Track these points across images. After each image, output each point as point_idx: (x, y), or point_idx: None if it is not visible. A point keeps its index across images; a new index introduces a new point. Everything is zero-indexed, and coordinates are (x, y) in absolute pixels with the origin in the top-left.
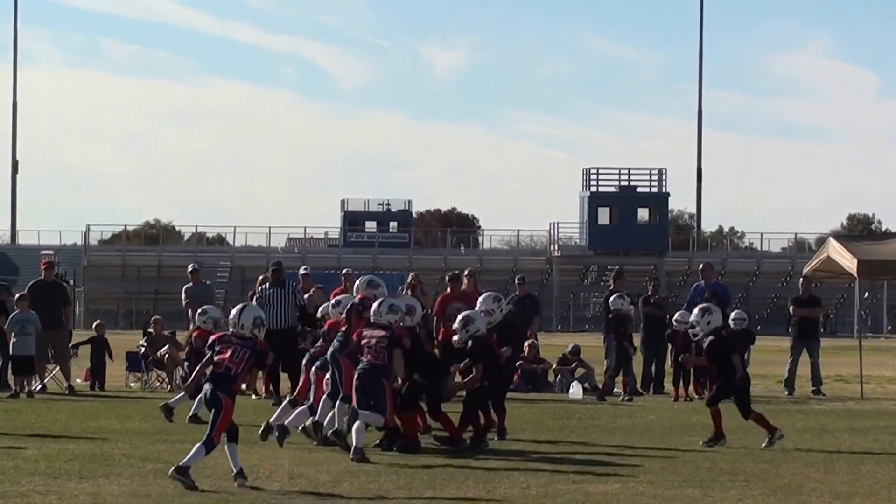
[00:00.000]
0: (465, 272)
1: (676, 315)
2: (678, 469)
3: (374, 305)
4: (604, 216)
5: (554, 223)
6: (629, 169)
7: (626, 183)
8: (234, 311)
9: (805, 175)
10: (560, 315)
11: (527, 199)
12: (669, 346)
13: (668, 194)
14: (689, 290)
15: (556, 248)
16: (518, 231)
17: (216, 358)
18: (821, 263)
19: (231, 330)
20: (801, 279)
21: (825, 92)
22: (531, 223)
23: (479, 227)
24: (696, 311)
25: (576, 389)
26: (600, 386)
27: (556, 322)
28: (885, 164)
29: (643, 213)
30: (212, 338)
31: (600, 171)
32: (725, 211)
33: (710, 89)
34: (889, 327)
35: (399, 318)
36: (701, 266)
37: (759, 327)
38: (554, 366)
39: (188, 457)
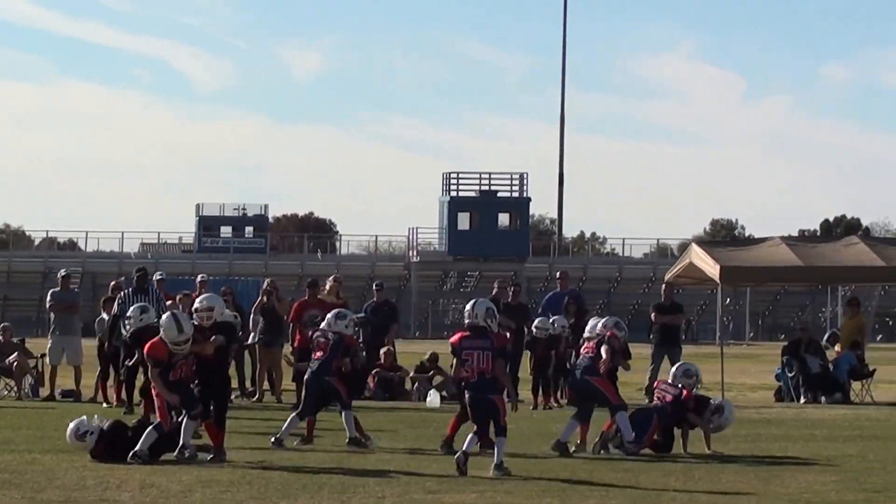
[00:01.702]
0: (331, 278)
1: (536, 322)
2: (536, 479)
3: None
4: (464, 221)
5: (413, 228)
6: (490, 173)
7: (486, 188)
8: (468, 305)
9: (669, 179)
10: (418, 322)
11: (386, 204)
12: (529, 353)
13: (529, 199)
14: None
15: (415, 253)
16: (376, 236)
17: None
18: (683, 269)
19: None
20: (663, 285)
21: (691, 95)
22: (390, 228)
23: (337, 232)
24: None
25: (433, 398)
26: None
27: (415, 329)
28: (749, 168)
29: (504, 219)
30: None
31: (460, 175)
32: (587, 216)
33: (574, 92)
34: (751, 334)
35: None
36: (559, 274)
37: None
38: (411, 373)
39: (497, 453)
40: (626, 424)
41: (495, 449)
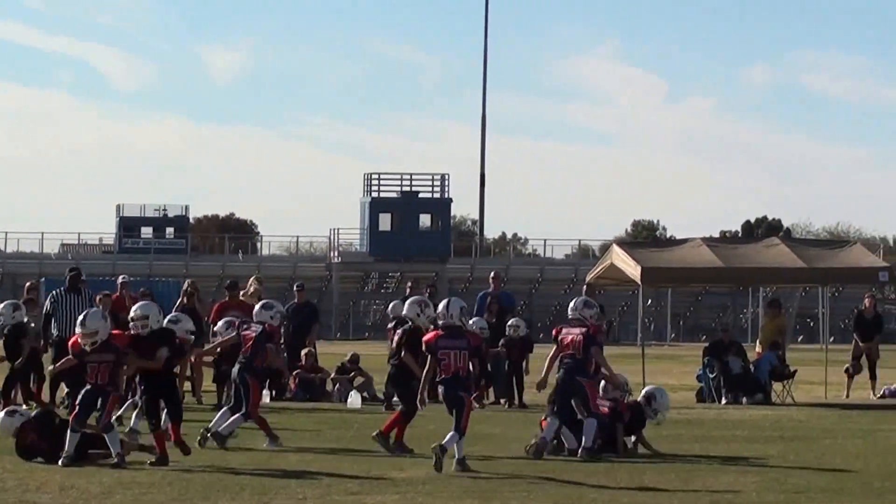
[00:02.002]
0: (253, 279)
1: (470, 322)
2: (458, 479)
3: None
4: (385, 222)
5: (334, 229)
6: (411, 174)
7: (407, 188)
8: (441, 304)
9: (590, 181)
10: (340, 323)
11: (307, 205)
12: None
13: (450, 200)
14: (473, 297)
15: (336, 254)
16: (297, 237)
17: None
18: (604, 270)
19: None
20: (585, 286)
21: (612, 96)
22: (311, 229)
23: (258, 233)
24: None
25: (354, 399)
26: (380, 395)
27: (336, 330)
28: (671, 170)
29: (425, 219)
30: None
31: (381, 176)
32: (509, 217)
33: (495, 93)
34: (672, 335)
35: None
36: (492, 275)
37: (541, 335)
38: (332, 374)
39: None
40: (592, 432)
41: (455, 446)
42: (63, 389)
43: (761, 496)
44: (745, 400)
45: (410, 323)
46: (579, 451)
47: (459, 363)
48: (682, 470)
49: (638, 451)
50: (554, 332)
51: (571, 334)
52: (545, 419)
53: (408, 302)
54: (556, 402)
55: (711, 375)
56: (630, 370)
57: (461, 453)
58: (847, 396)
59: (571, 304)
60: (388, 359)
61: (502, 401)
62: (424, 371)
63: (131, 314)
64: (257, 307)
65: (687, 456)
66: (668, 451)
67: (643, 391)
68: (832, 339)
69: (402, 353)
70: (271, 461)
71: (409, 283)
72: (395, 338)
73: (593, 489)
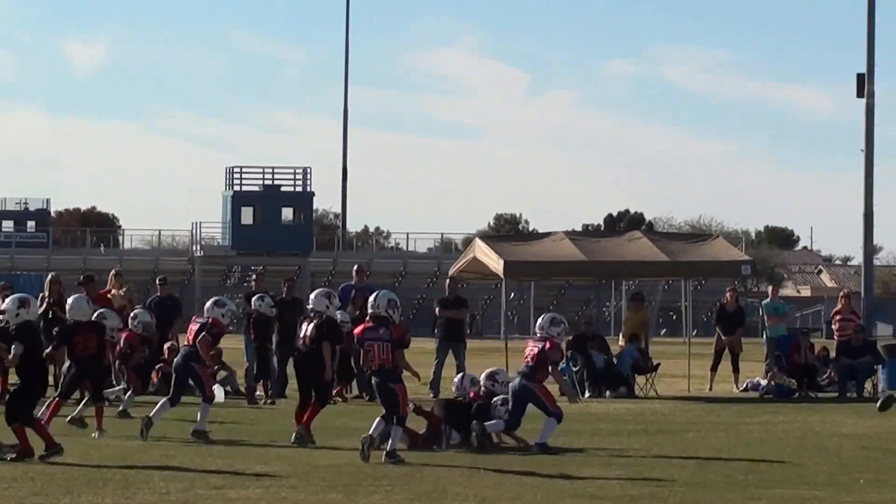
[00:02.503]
0: (112, 273)
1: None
2: (321, 474)
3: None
4: (247, 216)
5: (196, 223)
6: (273, 168)
7: (269, 182)
8: (371, 296)
9: (453, 174)
10: None
11: (169, 198)
12: None
13: (312, 194)
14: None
15: (199, 248)
16: (160, 231)
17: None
18: (467, 264)
19: None
20: (448, 280)
21: (474, 89)
22: (173, 223)
23: (120, 226)
24: None
25: (217, 393)
26: (243, 389)
27: None
28: (533, 163)
29: (287, 213)
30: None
31: (243, 169)
32: (372, 210)
33: (357, 87)
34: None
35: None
36: (356, 267)
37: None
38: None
39: (391, 441)
40: (550, 430)
41: (391, 437)
42: None
43: (625, 489)
44: (608, 393)
45: (321, 315)
46: (534, 445)
47: (383, 355)
48: (546, 463)
49: (503, 443)
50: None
51: (530, 347)
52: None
53: (314, 295)
54: (512, 406)
55: (575, 369)
56: (494, 364)
57: (394, 445)
58: (710, 389)
59: (539, 322)
60: (298, 349)
61: (365, 394)
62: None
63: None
64: (208, 303)
65: (551, 449)
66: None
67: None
68: (695, 332)
69: (322, 344)
70: (135, 456)
71: (254, 277)
72: (309, 331)
73: (456, 483)
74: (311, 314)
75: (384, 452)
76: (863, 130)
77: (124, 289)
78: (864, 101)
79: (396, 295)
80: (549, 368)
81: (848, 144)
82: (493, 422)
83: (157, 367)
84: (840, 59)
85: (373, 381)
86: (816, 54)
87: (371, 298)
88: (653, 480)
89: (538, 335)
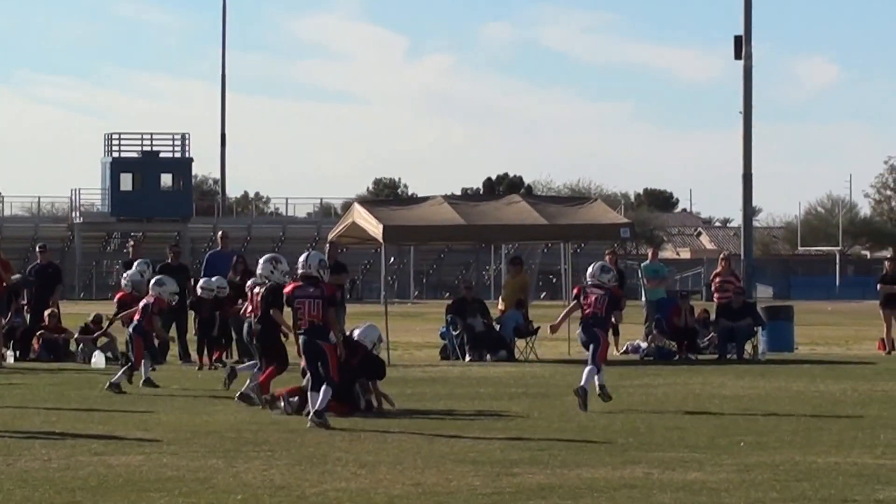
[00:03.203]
0: None
1: (201, 282)
2: (202, 440)
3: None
4: (126, 182)
5: (76, 189)
6: (151, 134)
7: (148, 148)
8: (301, 256)
9: (332, 139)
10: (83, 283)
11: (48, 165)
12: (193, 313)
13: (191, 159)
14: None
15: (78, 214)
16: (39, 198)
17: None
18: (347, 229)
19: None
20: (327, 245)
21: (353, 54)
22: (52, 189)
23: None
24: None
25: (98, 359)
26: (123, 358)
27: (79, 290)
28: (412, 127)
29: (166, 179)
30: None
31: (122, 136)
32: (251, 176)
33: (234, 52)
34: (416, 292)
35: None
36: (220, 234)
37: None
38: (76, 335)
39: (320, 401)
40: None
41: (320, 396)
42: None
43: (505, 453)
44: (489, 357)
45: (267, 281)
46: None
47: (314, 311)
48: (426, 427)
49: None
50: (576, 291)
51: (595, 294)
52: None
53: (261, 261)
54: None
55: (455, 333)
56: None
57: (323, 405)
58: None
59: (590, 271)
60: (253, 320)
61: (245, 359)
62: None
63: None
64: (152, 283)
65: (431, 413)
66: (412, 408)
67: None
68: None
69: (270, 310)
70: (15, 422)
71: (131, 244)
72: (257, 298)
73: (337, 448)
74: (260, 280)
75: (311, 413)
76: (741, 92)
77: None
78: (741, 63)
79: None
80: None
81: (726, 107)
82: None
83: (38, 333)
84: (718, 22)
85: (300, 341)
86: (695, 17)
87: (302, 258)
88: (533, 444)
89: (591, 283)
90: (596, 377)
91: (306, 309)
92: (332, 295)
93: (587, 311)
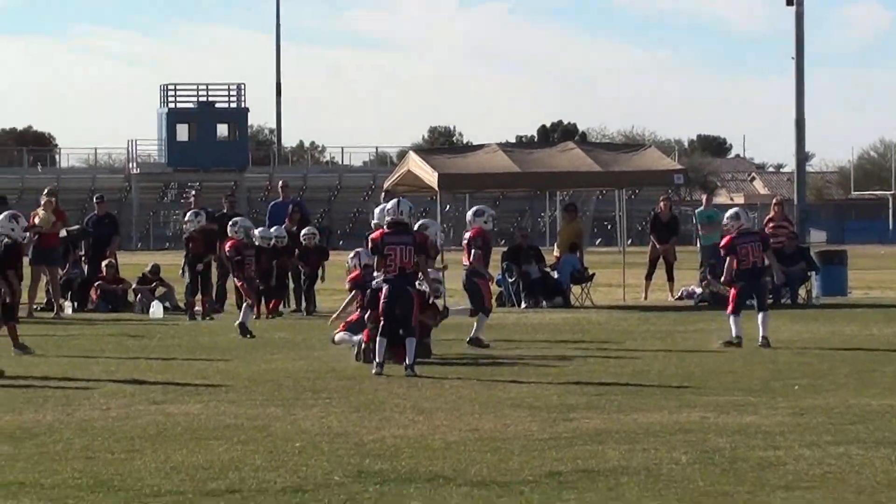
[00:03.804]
0: (44, 193)
1: (258, 231)
2: (261, 388)
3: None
4: (183, 133)
5: (132, 140)
6: (207, 85)
7: (204, 99)
8: (391, 203)
9: (387, 88)
10: (140, 233)
11: (105, 117)
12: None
13: (247, 109)
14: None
15: (135, 165)
16: (96, 149)
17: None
18: (402, 177)
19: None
20: (383, 193)
21: (407, 3)
22: (109, 141)
23: (56, 145)
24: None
25: (156, 309)
26: (182, 305)
27: (136, 241)
28: (467, 75)
29: (222, 129)
30: (374, 237)
31: (178, 87)
32: (306, 125)
33: (289, 2)
34: None
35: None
36: (280, 183)
37: (341, 242)
38: (134, 285)
39: (409, 354)
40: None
41: (409, 349)
42: None
43: (562, 398)
44: (544, 303)
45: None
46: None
47: (406, 259)
48: (483, 373)
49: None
50: (726, 241)
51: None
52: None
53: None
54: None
55: (510, 280)
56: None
57: (413, 357)
58: (645, 298)
59: (390, 205)
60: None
61: (303, 308)
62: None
63: None
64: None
65: (488, 359)
66: (469, 355)
67: None
68: (629, 241)
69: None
70: (74, 372)
71: (193, 193)
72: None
73: (395, 395)
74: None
75: (404, 366)
76: (793, 38)
77: (42, 213)
78: (793, 8)
79: (332, 208)
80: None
81: (778, 52)
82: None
83: (95, 284)
84: None
85: (385, 288)
86: None
87: (391, 205)
88: (590, 389)
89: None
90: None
91: (397, 255)
92: (423, 243)
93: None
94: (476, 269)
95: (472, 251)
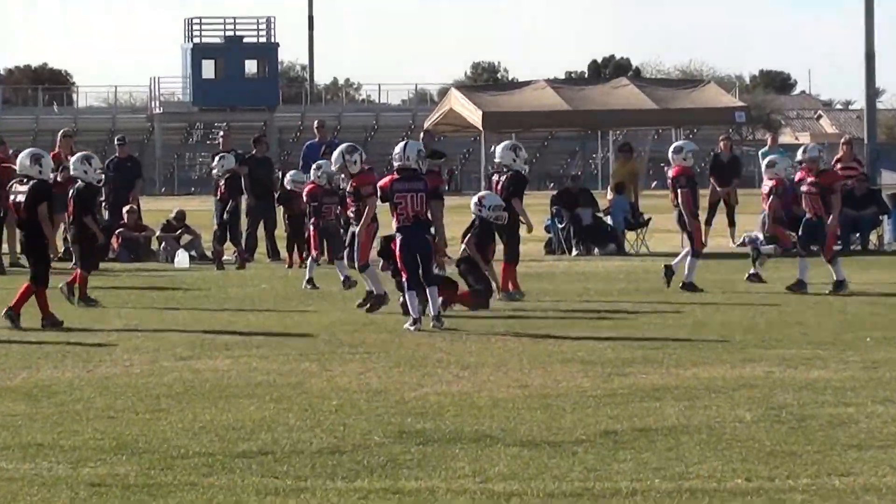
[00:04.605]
0: (60, 133)
1: (291, 175)
2: (294, 342)
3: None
4: (209, 69)
5: (155, 78)
6: (234, 18)
7: (231, 33)
8: (397, 147)
9: (426, 21)
10: (164, 177)
11: (125, 53)
12: (282, 208)
13: (277, 45)
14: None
15: (158, 104)
16: (116, 87)
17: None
18: (443, 116)
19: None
20: (423, 133)
21: None
22: (130, 79)
23: (74, 83)
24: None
25: (182, 258)
26: (209, 254)
27: (160, 185)
28: (511, 7)
29: (251, 66)
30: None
31: (203, 20)
32: (341, 61)
33: None
34: None
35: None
36: (316, 123)
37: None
38: (157, 233)
39: (434, 303)
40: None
41: (431, 298)
42: None
43: (617, 352)
44: (596, 251)
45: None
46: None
47: (418, 206)
48: (532, 326)
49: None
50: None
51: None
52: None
53: (502, 146)
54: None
55: (560, 225)
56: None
57: (437, 305)
58: (704, 244)
59: (397, 149)
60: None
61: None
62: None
63: None
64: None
65: (537, 311)
66: (516, 306)
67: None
68: None
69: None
70: (95, 325)
71: (221, 134)
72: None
73: (437, 349)
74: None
75: (431, 317)
76: None
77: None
78: None
79: (368, 149)
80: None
81: None
82: None
83: (117, 232)
84: None
85: (399, 238)
86: None
87: (398, 149)
88: (646, 342)
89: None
90: None
91: (409, 203)
92: (436, 188)
93: None
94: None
95: (679, 191)
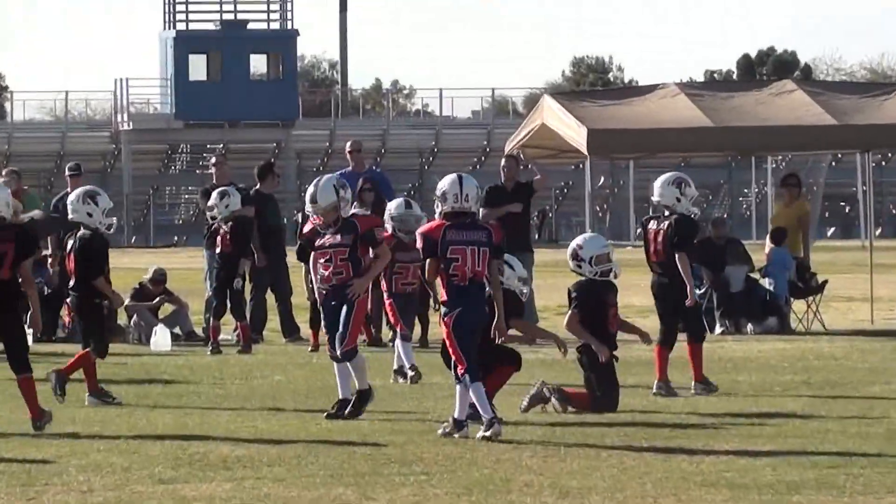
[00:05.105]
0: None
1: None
2: (322, 456)
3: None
4: (199, 68)
5: (121, 80)
6: None
7: (231, 16)
8: (446, 182)
9: (505, 5)
10: (135, 221)
11: (79, 46)
12: None
13: (296, 32)
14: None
15: (126, 117)
16: (66, 93)
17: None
18: (532, 135)
19: None
20: (504, 160)
21: None
22: (86, 82)
23: (6, 87)
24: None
25: (161, 337)
26: (200, 331)
27: (130, 233)
28: None
29: (258, 63)
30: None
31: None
32: (384, 58)
33: None
34: (637, 230)
35: None
36: (349, 146)
37: None
38: (127, 301)
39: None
40: None
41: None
42: None
43: (779, 472)
44: (750, 327)
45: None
46: None
47: (479, 265)
48: (658, 435)
49: None
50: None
51: None
52: None
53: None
54: None
55: (700, 291)
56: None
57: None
58: None
59: (447, 184)
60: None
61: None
62: None
63: None
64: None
65: (665, 412)
66: (636, 408)
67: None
68: (878, 231)
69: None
70: (38, 440)
71: (213, 161)
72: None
73: (525, 468)
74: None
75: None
76: None
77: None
78: None
79: (426, 181)
80: None
81: None
82: None
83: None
84: None
85: (454, 315)
86: None
87: (448, 184)
88: (822, 459)
89: None
90: None
91: (468, 260)
92: (500, 243)
93: None
94: None
95: None
